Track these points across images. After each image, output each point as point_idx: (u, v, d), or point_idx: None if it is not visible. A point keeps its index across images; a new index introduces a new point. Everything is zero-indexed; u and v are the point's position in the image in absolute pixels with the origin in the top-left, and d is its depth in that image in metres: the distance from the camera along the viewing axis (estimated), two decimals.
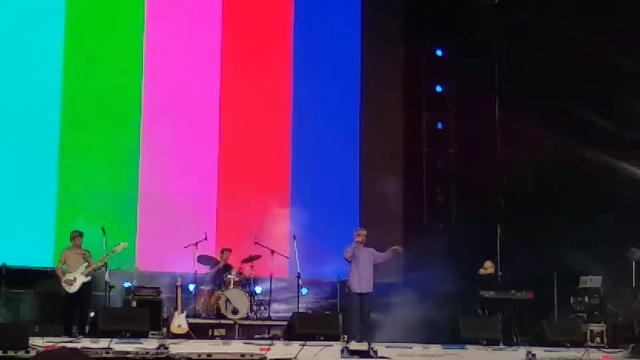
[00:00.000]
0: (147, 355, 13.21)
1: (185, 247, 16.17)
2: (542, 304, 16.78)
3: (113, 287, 15.09)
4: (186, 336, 14.52)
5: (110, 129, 17.57)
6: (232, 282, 15.97)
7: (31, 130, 17.07)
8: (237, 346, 13.94)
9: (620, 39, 16.98)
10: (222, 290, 15.89)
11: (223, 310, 15.66)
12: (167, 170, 17.70)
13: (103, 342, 13.20)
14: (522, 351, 14.91)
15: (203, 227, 16.58)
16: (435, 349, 14.65)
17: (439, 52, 20.17)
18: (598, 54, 17.00)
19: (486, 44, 19.26)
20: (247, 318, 15.92)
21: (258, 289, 16.69)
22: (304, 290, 16.78)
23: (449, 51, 20.07)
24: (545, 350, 14.94)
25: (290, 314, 15.52)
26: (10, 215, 16.68)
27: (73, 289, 14.60)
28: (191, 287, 16.31)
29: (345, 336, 14.65)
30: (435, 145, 20.16)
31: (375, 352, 14.31)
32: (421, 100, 20.14)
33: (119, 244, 14.85)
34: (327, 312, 16.85)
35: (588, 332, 15.98)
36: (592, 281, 16.57)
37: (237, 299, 15.76)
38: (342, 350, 14.18)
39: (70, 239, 14.94)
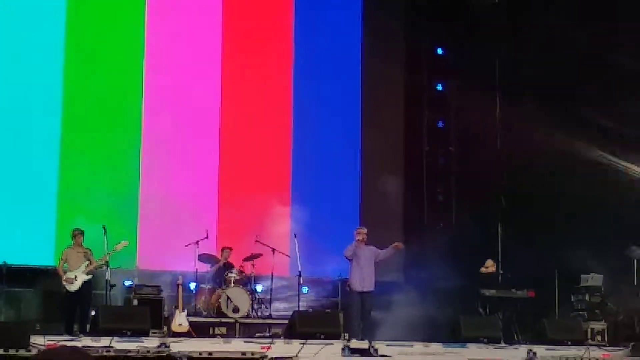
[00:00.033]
0: (148, 354, 13.22)
1: (186, 246, 16.20)
2: (543, 302, 16.79)
3: (114, 285, 15.12)
4: (187, 335, 14.49)
5: (110, 129, 17.58)
6: (232, 281, 15.97)
7: (32, 130, 17.07)
8: (238, 345, 13.94)
9: (621, 39, 16.99)
10: (223, 289, 15.90)
11: (224, 309, 15.66)
12: (168, 169, 17.70)
13: (104, 341, 13.22)
14: (523, 349, 14.93)
15: (204, 226, 16.60)
16: (436, 347, 14.66)
17: (439, 51, 20.19)
18: (598, 53, 17.01)
19: (486, 43, 19.27)
20: (248, 316, 15.91)
21: (259, 288, 16.70)
22: (304, 289, 16.77)
23: (449, 50, 20.08)
24: (546, 349, 14.97)
25: (291, 313, 15.52)
26: (11, 214, 16.68)
27: (74, 287, 14.61)
28: (192, 285, 16.32)
29: (346, 334, 14.67)
30: (436, 144, 20.17)
31: (376, 350, 14.32)
32: (422, 99, 20.14)
33: (120, 243, 14.85)
34: (328, 311, 16.87)
35: (589, 330, 16.01)
36: (593, 279, 16.59)
37: (238, 297, 15.76)
38: (342, 349, 14.18)
39: (72, 237, 14.94)
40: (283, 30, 19.13)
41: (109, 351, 13.05)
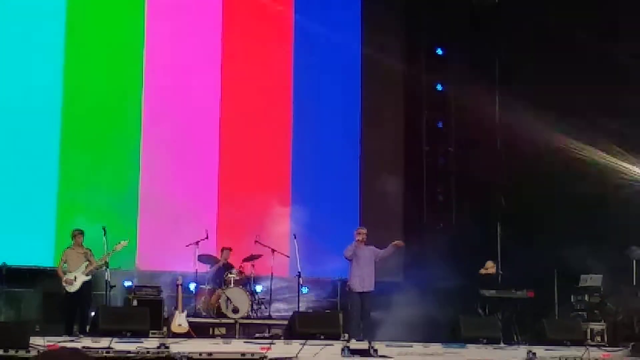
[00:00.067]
0: (148, 355, 13.23)
1: (186, 246, 16.20)
2: (543, 302, 16.80)
3: (114, 286, 15.09)
4: (187, 335, 14.50)
5: (110, 129, 17.58)
6: (232, 281, 15.98)
7: (32, 130, 17.06)
8: (238, 345, 13.94)
9: (621, 38, 16.98)
10: (222, 289, 15.90)
11: (224, 309, 15.66)
12: (168, 169, 17.69)
13: (104, 342, 13.22)
14: (522, 350, 14.93)
15: (203, 226, 16.60)
16: (436, 347, 14.67)
17: (439, 51, 20.18)
18: (598, 52, 17.00)
19: (486, 42, 19.26)
20: (248, 317, 15.92)
21: (258, 288, 16.70)
22: (304, 289, 16.77)
23: (449, 50, 20.07)
24: (546, 349, 14.97)
25: (290, 313, 15.55)
26: (10, 214, 16.68)
27: (73, 288, 14.61)
28: (192, 286, 16.33)
29: (346, 335, 14.68)
30: (436, 144, 20.17)
31: (376, 350, 14.33)
32: (422, 99, 20.14)
33: (119, 243, 14.85)
34: (328, 311, 16.90)
35: (588, 330, 16.01)
36: (593, 280, 16.59)
37: (238, 297, 15.77)
38: (342, 349, 14.19)
39: (72, 238, 14.94)
40: (283, 30, 19.13)
41: (109, 352, 13.05)
